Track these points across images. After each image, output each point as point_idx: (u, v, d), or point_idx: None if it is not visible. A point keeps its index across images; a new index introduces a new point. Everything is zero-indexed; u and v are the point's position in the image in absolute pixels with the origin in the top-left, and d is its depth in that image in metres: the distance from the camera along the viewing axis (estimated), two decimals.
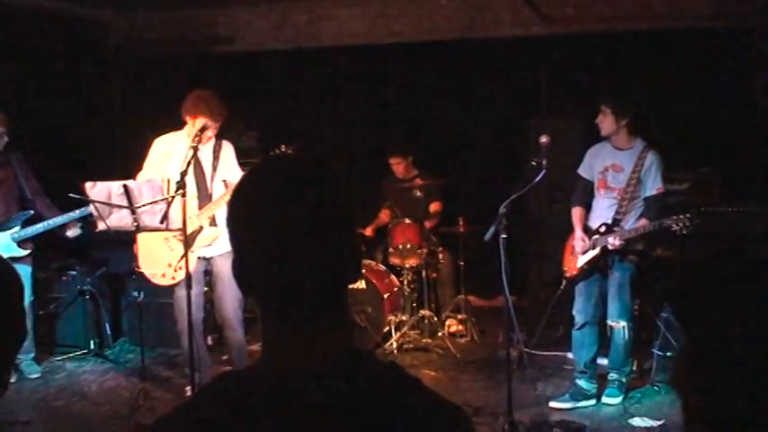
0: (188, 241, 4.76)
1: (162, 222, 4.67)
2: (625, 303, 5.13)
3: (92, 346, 6.55)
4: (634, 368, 5.49)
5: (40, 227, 5.70)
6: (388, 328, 6.54)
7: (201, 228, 5.05)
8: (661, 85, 7.06)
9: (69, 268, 6.71)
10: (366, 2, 7.88)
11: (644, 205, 5.10)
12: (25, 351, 5.82)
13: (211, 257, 5.17)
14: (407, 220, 6.67)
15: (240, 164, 5.32)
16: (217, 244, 5.11)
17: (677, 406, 1.18)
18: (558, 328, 6.38)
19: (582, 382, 5.24)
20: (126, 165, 5.68)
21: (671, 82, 7.08)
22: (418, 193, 7.20)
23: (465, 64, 7.76)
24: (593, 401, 5.23)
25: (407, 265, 6.66)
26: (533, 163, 4.80)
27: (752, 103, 6.94)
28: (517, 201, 4.77)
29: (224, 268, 5.10)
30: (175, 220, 4.65)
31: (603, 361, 5.37)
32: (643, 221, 5.01)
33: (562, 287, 5.44)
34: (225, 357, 5.99)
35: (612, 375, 5.27)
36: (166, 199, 4.63)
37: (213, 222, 5.11)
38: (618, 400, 5.21)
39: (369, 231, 7.33)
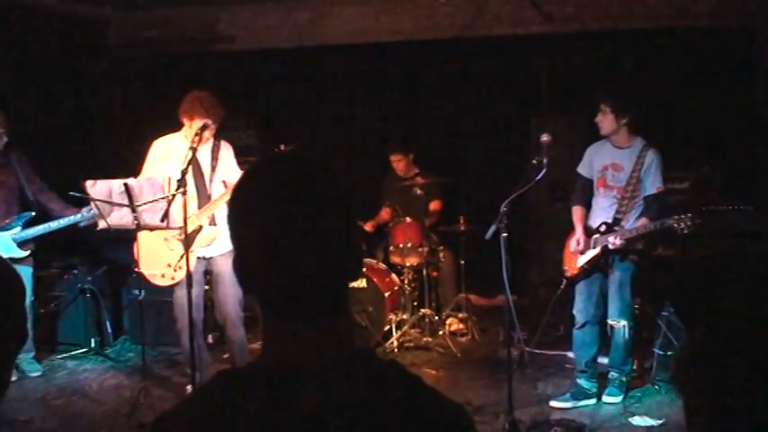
0: (188, 241, 4.76)
1: (163, 221, 4.67)
2: (626, 302, 5.13)
3: (92, 345, 6.55)
4: (634, 367, 5.49)
5: (40, 228, 5.67)
6: (388, 326, 6.55)
7: (201, 227, 5.05)
8: (662, 84, 7.07)
9: (70, 267, 6.71)
10: (367, 1, 7.88)
11: (644, 204, 5.09)
12: (25, 350, 5.81)
13: (212, 257, 5.17)
14: (408, 219, 6.67)
15: (240, 162, 5.32)
16: (217, 244, 5.11)
17: (678, 405, 1.19)
18: (558, 327, 6.38)
19: (582, 382, 5.24)
20: (126, 164, 5.68)
21: (672, 81, 7.08)
22: (419, 192, 7.20)
23: (466, 62, 7.76)
24: (593, 401, 5.23)
25: (408, 264, 6.66)
26: (534, 161, 4.80)
27: (753, 102, 6.94)
28: (518, 199, 4.77)
29: (224, 268, 5.10)
30: (176, 218, 4.66)
31: (604, 360, 5.37)
32: (644, 221, 5.00)
33: (562, 286, 5.44)
34: (226, 356, 5.98)
35: (613, 374, 5.27)
36: (167, 197, 4.63)
37: (213, 222, 5.11)
38: (618, 399, 5.20)
39: (369, 227, 7.30)
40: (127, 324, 6.86)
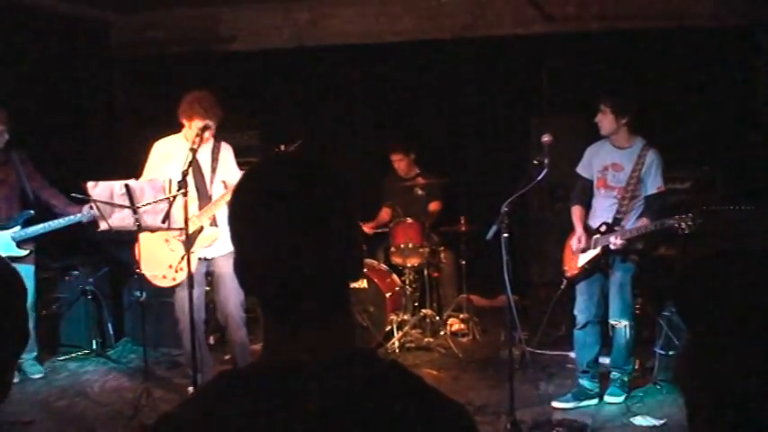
0: (189, 242, 4.76)
1: (164, 222, 4.67)
2: (627, 303, 5.12)
3: (94, 347, 6.55)
4: (636, 367, 5.49)
5: (39, 228, 5.65)
6: (390, 327, 6.55)
7: (202, 228, 5.05)
8: (663, 84, 7.06)
9: (71, 268, 6.71)
10: (368, 1, 7.89)
11: (644, 204, 5.09)
12: (27, 350, 5.81)
13: (213, 258, 5.17)
14: (409, 220, 6.67)
15: (240, 163, 5.32)
16: (218, 245, 5.11)
17: (679, 404, 1.19)
18: (559, 327, 6.38)
19: (584, 382, 5.24)
20: (127, 165, 5.69)
21: (673, 80, 7.07)
22: (420, 192, 7.19)
23: (467, 63, 7.76)
24: (595, 401, 5.22)
25: (409, 265, 6.67)
26: (535, 162, 4.79)
27: (754, 101, 6.94)
28: (518, 199, 4.76)
29: (225, 269, 5.10)
30: (177, 219, 4.66)
31: (605, 360, 5.37)
32: (644, 221, 5.00)
33: (562, 287, 5.44)
34: (227, 357, 5.99)
35: (614, 374, 5.27)
36: (168, 198, 4.63)
37: (214, 223, 5.12)
38: (620, 399, 5.20)
39: (369, 228, 7.28)
40: (128, 326, 6.85)
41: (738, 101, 6.94)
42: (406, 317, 6.63)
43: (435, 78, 7.91)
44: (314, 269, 1.16)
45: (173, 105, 5.11)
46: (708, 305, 1.18)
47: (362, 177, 7.48)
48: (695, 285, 1.22)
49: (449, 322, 6.88)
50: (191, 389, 4.97)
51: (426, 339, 6.58)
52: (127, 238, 5.16)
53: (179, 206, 4.59)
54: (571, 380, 5.46)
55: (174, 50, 8.24)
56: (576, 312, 5.30)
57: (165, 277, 5.07)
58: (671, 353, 5.25)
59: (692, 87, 7.02)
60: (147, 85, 8.30)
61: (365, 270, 6.35)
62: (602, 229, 5.12)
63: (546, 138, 4.76)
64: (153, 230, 4.83)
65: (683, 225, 4.69)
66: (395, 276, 6.81)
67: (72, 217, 5.59)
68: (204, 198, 5.13)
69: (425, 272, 6.73)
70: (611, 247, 4.98)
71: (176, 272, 5.02)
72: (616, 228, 5.06)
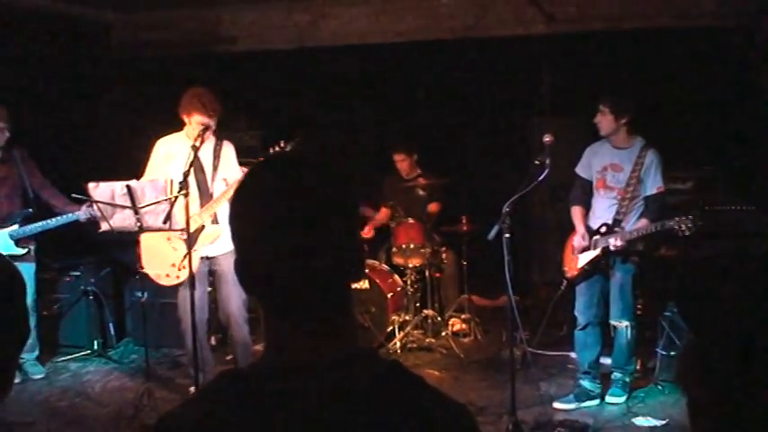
0: (191, 240, 4.76)
1: (165, 222, 4.67)
2: (627, 303, 5.12)
3: (95, 347, 6.56)
4: (637, 367, 5.49)
5: (38, 226, 5.63)
6: (391, 327, 6.55)
7: (204, 226, 5.05)
8: (664, 84, 7.06)
9: (73, 268, 6.71)
10: (369, 1, 7.89)
11: (644, 205, 5.08)
12: (29, 349, 5.82)
13: (214, 257, 5.17)
14: (410, 220, 6.67)
15: (241, 163, 5.32)
16: (219, 242, 5.11)
17: (681, 405, 1.18)
18: (561, 327, 6.38)
19: (585, 383, 5.23)
20: (127, 165, 5.68)
21: (673, 80, 7.07)
22: (421, 193, 7.18)
23: (468, 63, 7.76)
24: (596, 401, 5.22)
25: (411, 265, 6.67)
26: (536, 162, 4.78)
27: (755, 101, 6.93)
28: (519, 200, 4.76)
29: (227, 267, 5.10)
30: (178, 220, 4.66)
31: (607, 361, 5.37)
32: (644, 222, 4.99)
33: (563, 287, 5.43)
34: (229, 357, 5.99)
35: (616, 375, 5.27)
36: (169, 199, 4.63)
37: (215, 220, 5.12)
38: (621, 399, 5.20)
39: (368, 231, 7.25)
40: (130, 326, 6.86)
41: (739, 101, 6.93)
42: (407, 317, 6.63)
43: (436, 79, 7.90)
44: (315, 269, 1.16)
45: (173, 106, 5.11)
46: (709, 305, 1.17)
47: (363, 178, 7.47)
48: (696, 286, 1.22)
49: (450, 322, 6.88)
50: (192, 389, 4.97)
51: (428, 340, 6.58)
52: (128, 239, 5.16)
53: (180, 206, 4.59)
54: (572, 380, 5.46)
55: (175, 51, 8.24)
56: (576, 313, 5.30)
57: (168, 276, 5.07)
58: (672, 353, 5.25)
59: (692, 87, 7.02)
60: (148, 86, 8.30)
61: (367, 270, 6.36)
62: (602, 230, 5.11)
63: (547, 138, 4.76)
64: (154, 231, 4.83)
65: (683, 227, 4.68)
66: (396, 277, 6.81)
67: (70, 215, 5.56)
68: (205, 196, 5.13)
69: (427, 272, 6.73)
70: (611, 248, 4.98)
71: (179, 270, 5.02)
72: (616, 229, 5.05)
